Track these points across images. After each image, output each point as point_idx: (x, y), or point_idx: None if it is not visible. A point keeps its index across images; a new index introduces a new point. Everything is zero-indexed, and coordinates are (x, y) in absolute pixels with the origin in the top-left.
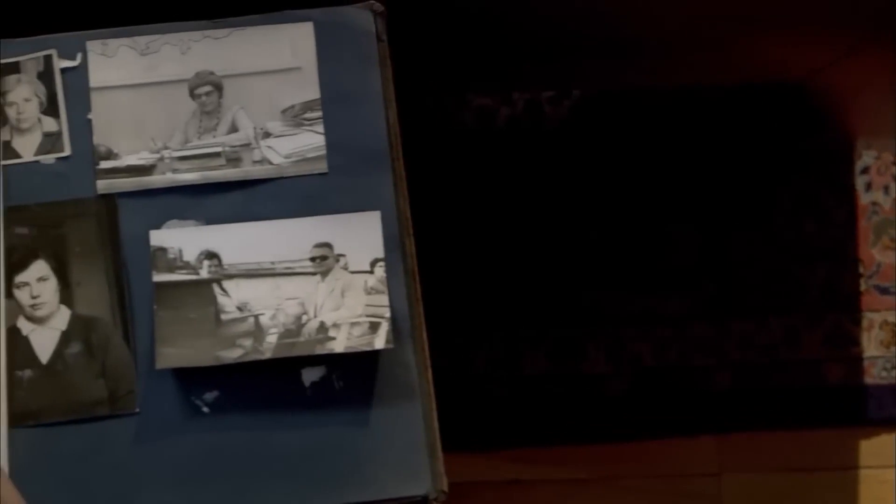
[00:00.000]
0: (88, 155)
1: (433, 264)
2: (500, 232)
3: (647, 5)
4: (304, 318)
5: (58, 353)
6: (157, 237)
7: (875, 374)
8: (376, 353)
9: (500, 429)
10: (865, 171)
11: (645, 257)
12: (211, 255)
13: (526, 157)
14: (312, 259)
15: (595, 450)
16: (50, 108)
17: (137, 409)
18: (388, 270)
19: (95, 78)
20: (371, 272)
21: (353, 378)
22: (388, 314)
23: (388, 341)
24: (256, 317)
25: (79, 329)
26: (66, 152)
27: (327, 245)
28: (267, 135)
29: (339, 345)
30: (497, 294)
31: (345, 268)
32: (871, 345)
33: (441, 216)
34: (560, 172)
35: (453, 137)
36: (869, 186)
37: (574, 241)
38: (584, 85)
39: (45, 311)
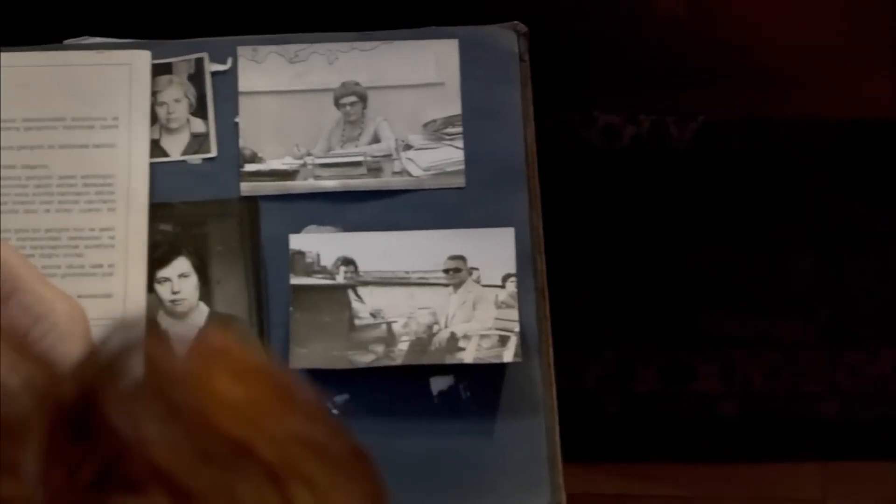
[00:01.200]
0: (234, 157)
1: (549, 278)
2: (618, 249)
3: (771, 42)
4: (436, 327)
5: None
6: (297, 241)
7: None
8: (503, 366)
9: (609, 443)
10: None
11: (760, 282)
12: (348, 262)
13: (648, 176)
14: (446, 271)
15: (701, 469)
16: (199, 110)
17: None
18: (519, 286)
19: (244, 83)
20: (502, 287)
21: (479, 389)
22: (517, 328)
23: (516, 355)
24: (389, 324)
25: (216, 326)
26: (213, 153)
27: (461, 258)
28: (408, 147)
29: (468, 355)
30: (612, 310)
31: (477, 281)
32: None
33: (561, 231)
34: (681, 194)
35: (578, 153)
36: None
37: (691, 261)
38: (710, 111)
39: (184, 307)
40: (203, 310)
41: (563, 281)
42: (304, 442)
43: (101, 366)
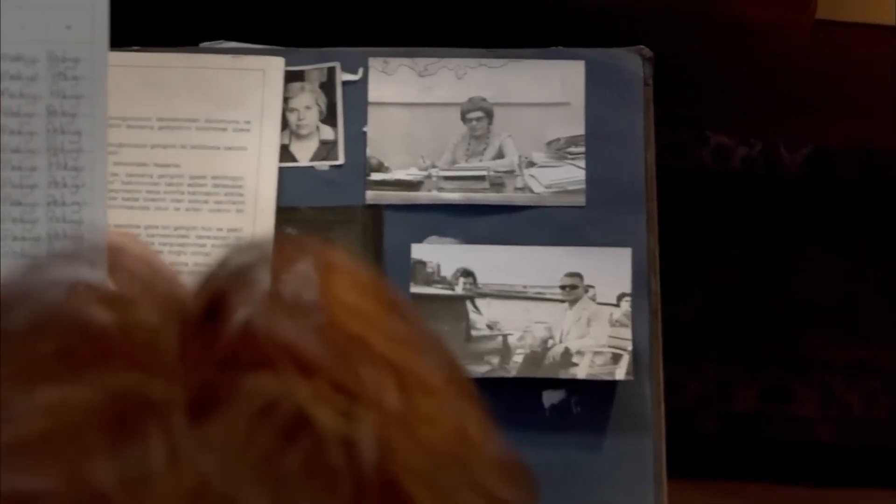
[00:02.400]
0: (360, 166)
1: None
2: (723, 268)
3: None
4: (550, 342)
5: None
6: (418, 251)
7: None
8: (614, 382)
9: (705, 460)
10: None
11: (863, 308)
12: (467, 273)
13: (756, 198)
14: (563, 287)
15: (795, 491)
16: (328, 118)
17: None
18: (633, 305)
19: (374, 93)
20: (617, 305)
21: (590, 404)
22: (630, 347)
23: (628, 373)
24: (505, 336)
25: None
26: (340, 161)
27: (578, 275)
28: (531, 164)
29: (581, 371)
30: (713, 329)
31: (593, 298)
32: None
33: (667, 247)
34: (788, 217)
35: (689, 172)
36: None
37: (794, 284)
38: (821, 138)
39: None
40: None
41: (667, 297)
42: (411, 344)
43: (228, 273)
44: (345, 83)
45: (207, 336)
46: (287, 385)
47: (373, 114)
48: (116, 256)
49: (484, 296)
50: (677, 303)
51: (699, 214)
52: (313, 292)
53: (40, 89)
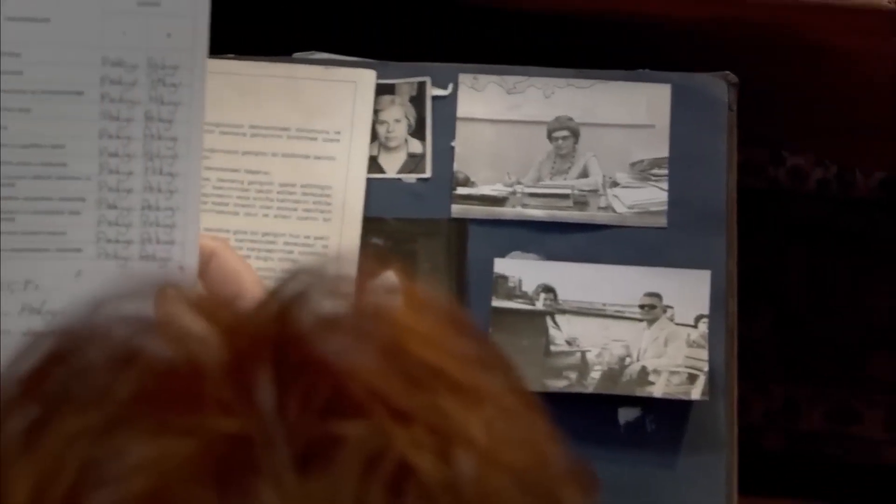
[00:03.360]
0: (447, 179)
1: None
2: (793, 287)
3: None
4: (628, 360)
5: None
6: (501, 265)
7: None
8: (689, 402)
9: (770, 478)
10: None
11: None
12: (548, 289)
13: (830, 219)
14: (642, 306)
15: None
16: (417, 131)
17: None
18: (711, 327)
19: (463, 109)
20: (694, 326)
21: (665, 423)
22: (706, 368)
23: (703, 393)
24: (583, 352)
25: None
26: (427, 174)
27: (657, 295)
28: (614, 184)
29: (657, 390)
30: (782, 348)
31: (671, 319)
32: None
33: (740, 265)
34: (860, 240)
35: (763, 191)
36: None
37: (864, 305)
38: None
39: None
40: None
41: (738, 315)
42: (483, 363)
43: (291, 301)
44: (434, 98)
45: (299, 379)
46: (386, 434)
47: (461, 129)
48: (203, 275)
49: (564, 312)
50: (747, 321)
51: (772, 233)
52: (382, 323)
53: (139, 94)
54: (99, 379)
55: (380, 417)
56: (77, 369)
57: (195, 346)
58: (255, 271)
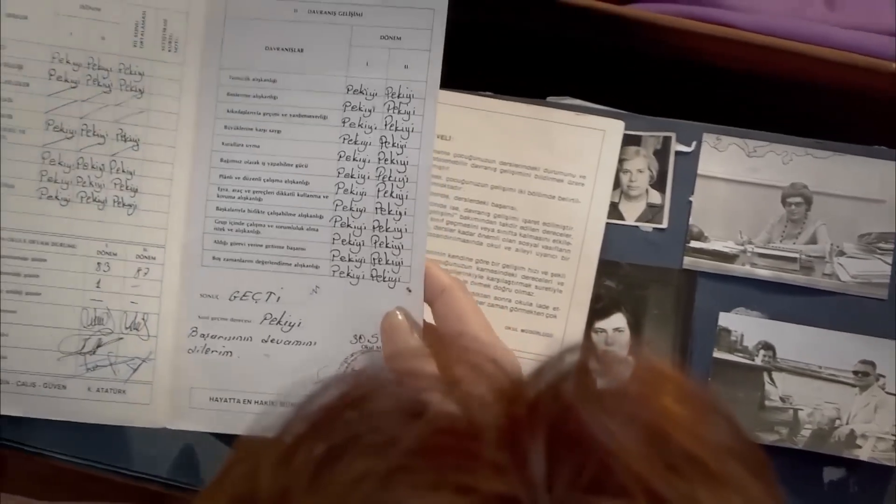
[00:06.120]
0: (682, 232)
1: None
2: None
3: None
4: (838, 422)
5: None
6: (725, 319)
7: None
8: (893, 469)
9: None
10: None
11: None
12: (768, 346)
13: None
14: (855, 372)
15: None
16: (658, 183)
17: None
18: None
19: (703, 166)
20: None
21: (868, 485)
22: None
23: None
24: (796, 410)
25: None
26: (664, 225)
27: (871, 363)
28: (841, 253)
29: (863, 453)
30: None
31: (882, 387)
32: None
33: None
34: None
35: None
36: None
37: None
38: None
39: None
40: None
41: None
42: (736, 455)
43: (566, 374)
44: (678, 153)
45: (570, 453)
46: None
47: (700, 185)
48: (430, 303)
49: (781, 370)
50: None
51: None
52: (646, 407)
53: (376, 121)
54: (388, 427)
55: (639, 501)
56: (368, 415)
57: (477, 408)
58: (484, 317)
